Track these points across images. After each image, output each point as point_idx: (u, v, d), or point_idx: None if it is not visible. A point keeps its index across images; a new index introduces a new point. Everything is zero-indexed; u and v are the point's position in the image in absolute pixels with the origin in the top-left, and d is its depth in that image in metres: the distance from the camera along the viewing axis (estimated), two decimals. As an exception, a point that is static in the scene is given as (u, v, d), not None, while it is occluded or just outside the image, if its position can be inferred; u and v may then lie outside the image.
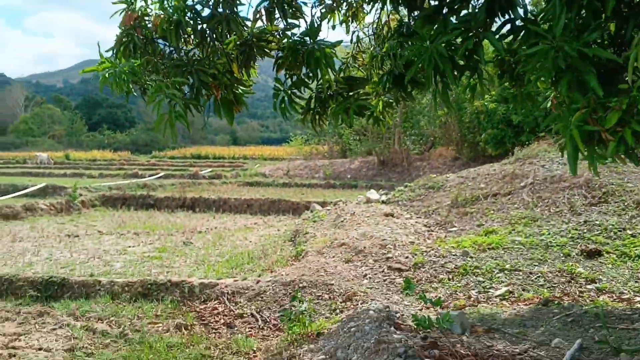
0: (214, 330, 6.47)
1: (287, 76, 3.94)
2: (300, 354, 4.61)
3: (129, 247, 11.16)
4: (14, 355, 5.94)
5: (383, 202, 12.56)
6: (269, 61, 4.21)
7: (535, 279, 6.87)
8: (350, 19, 5.09)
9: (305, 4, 4.31)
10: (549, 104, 3.74)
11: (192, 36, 3.72)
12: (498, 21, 3.40)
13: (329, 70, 3.69)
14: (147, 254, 10.37)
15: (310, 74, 3.77)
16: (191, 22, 3.56)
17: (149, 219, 15.40)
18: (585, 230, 8.13)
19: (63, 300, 7.73)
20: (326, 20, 4.70)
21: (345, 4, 4.98)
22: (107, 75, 3.65)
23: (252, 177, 27.79)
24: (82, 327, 6.71)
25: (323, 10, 4.79)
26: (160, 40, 3.68)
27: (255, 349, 5.81)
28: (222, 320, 6.74)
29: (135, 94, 3.79)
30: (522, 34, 3.33)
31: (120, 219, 15.36)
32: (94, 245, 11.26)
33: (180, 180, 25.62)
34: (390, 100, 4.14)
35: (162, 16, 3.60)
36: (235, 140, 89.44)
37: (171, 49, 3.64)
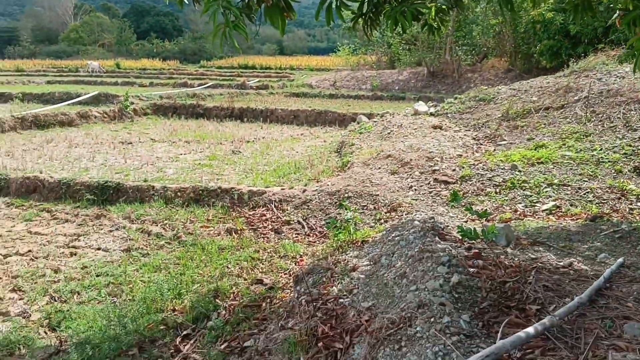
0: (262, 235, 6.73)
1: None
2: (345, 260, 4.77)
3: (181, 154, 11.49)
4: (75, 254, 6.38)
5: (431, 114, 12.37)
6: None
7: (584, 194, 6.76)
8: None
9: None
10: (615, 18, 3.52)
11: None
12: None
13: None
14: (197, 161, 10.67)
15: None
16: None
17: (198, 128, 15.70)
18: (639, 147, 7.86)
19: (118, 204, 8.13)
20: None
21: None
22: None
23: (299, 88, 27.63)
24: (138, 230, 7.10)
25: None
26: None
27: (301, 253, 6.05)
28: (270, 226, 6.99)
29: (187, 1, 3.74)
30: None
31: (172, 127, 15.71)
32: (146, 152, 11.64)
33: (228, 90, 25.74)
34: (444, 6, 3.97)
35: None
36: (282, 50, 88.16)
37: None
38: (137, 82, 30.51)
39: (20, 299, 5.20)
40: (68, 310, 4.90)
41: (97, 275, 5.68)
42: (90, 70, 40.44)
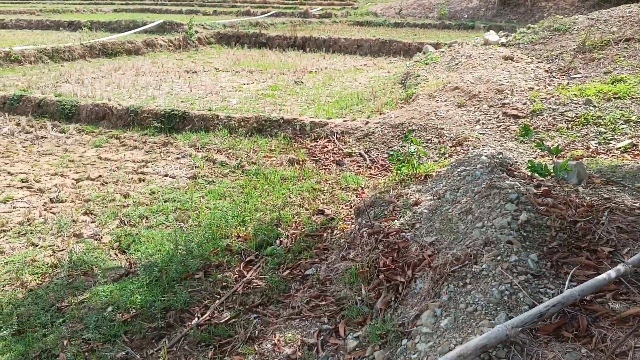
0: (323, 167, 6.73)
1: None
2: (407, 193, 4.70)
3: (244, 84, 11.50)
4: (143, 180, 6.59)
5: (502, 44, 11.75)
6: None
7: (666, 132, 6.34)
8: None
9: None
10: None
11: None
12: None
13: None
14: (260, 91, 10.66)
15: None
16: None
17: (261, 58, 15.62)
18: None
19: (184, 132, 8.29)
20: None
21: None
22: None
23: (363, 17, 26.82)
24: (203, 158, 7.24)
25: None
26: None
27: (363, 185, 6.02)
28: (331, 158, 6.97)
29: None
30: None
31: (235, 56, 15.69)
32: (210, 82, 11.72)
33: (290, 18, 25.31)
34: None
35: None
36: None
37: None
38: (201, 11, 30.42)
39: (92, 222, 5.46)
40: (137, 234, 5.10)
41: (165, 201, 5.86)
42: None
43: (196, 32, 18.34)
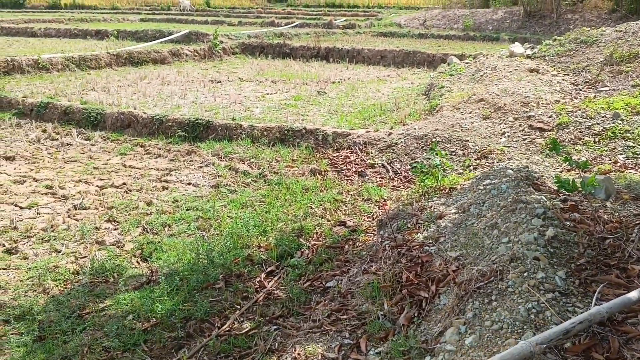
0: (346, 177, 6.69)
1: None
2: (431, 206, 4.64)
3: (267, 94, 11.55)
4: (166, 188, 6.62)
5: (528, 56, 11.62)
6: None
7: (699, 147, 6.17)
8: None
9: None
10: None
11: None
12: None
13: None
14: (283, 101, 10.69)
15: None
16: None
17: (285, 68, 15.68)
18: None
19: (208, 140, 8.33)
20: None
21: None
22: None
23: (387, 28, 26.82)
24: (226, 167, 7.26)
25: None
26: None
27: (385, 197, 5.96)
28: (353, 169, 6.93)
29: None
30: None
31: (259, 66, 15.78)
32: (235, 91, 11.79)
33: (314, 29, 25.43)
34: None
35: None
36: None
37: None
38: (227, 21, 30.74)
39: (114, 229, 5.49)
40: (159, 242, 5.12)
41: (187, 209, 5.88)
42: (182, 8, 41.11)
43: (221, 42, 18.51)
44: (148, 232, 5.39)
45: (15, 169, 7.33)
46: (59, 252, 5.00)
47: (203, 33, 20.23)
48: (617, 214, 3.79)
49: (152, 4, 48.29)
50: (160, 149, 8.17)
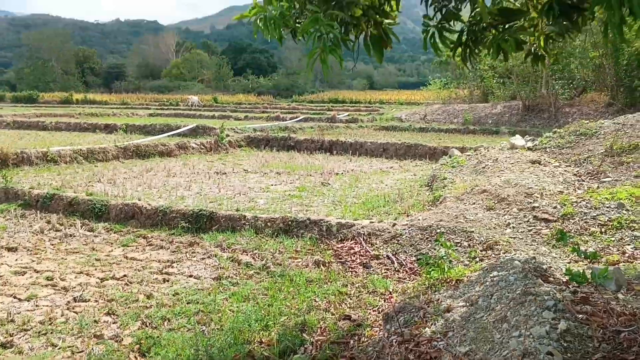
0: (350, 269, 6.58)
1: (436, 10, 3.70)
2: (438, 299, 4.52)
3: (272, 185, 11.65)
4: (167, 280, 6.51)
5: (529, 148, 11.82)
6: (405, 2, 4.00)
7: None
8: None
9: None
10: None
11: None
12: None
13: (483, -1, 3.42)
14: (287, 192, 10.76)
15: (462, 6, 3.51)
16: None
17: (289, 160, 15.93)
18: None
19: (211, 232, 8.29)
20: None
21: None
22: (258, 21, 3.60)
23: (388, 122, 27.56)
24: (229, 258, 7.17)
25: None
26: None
27: (391, 289, 5.83)
28: (358, 260, 6.83)
29: (285, 37, 3.75)
30: None
31: (264, 159, 16.05)
32: (239, 183, 11.91)
33: (318, 123, 26.13)
34: (552, 34, 3.73)
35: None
36: (372, 85, 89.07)
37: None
38: (233, 116, 31.70)
39: (114, 323, 5.34)
40: (158, 337, 4.95)
41: (188, 303, 5.74)
42: (190, 104, 42.56)
43: (227, 135, 18.98)
44: (147, 326, 5.23)
45: (16, 259, 7.26)
46: (56, 346, 4.83)
47: (210, 127, 20.78)
48: (629, 306, 3.69)
49: (161, 100, 50.05)
50: (162, 240, 8.12)
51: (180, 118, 28.82)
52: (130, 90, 71.53)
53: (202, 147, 17.92)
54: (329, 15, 3.03)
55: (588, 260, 4.14)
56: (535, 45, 3.83)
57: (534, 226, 6.98)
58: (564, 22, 3.38)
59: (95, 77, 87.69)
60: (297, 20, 3.47)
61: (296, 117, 29.76)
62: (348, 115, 32.46)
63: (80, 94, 57.35)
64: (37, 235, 8.40)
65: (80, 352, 4.74)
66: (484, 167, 10.43)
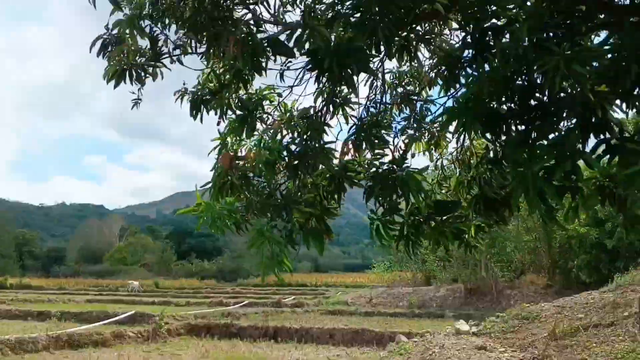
0: None
1: (378, 204, 3.95)
2: None
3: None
4: None
5: (474, 333, 11.81)
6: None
7: None
8: (432, 147, 5.16)
9: (389, 134, 4.44)
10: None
11: (284, 171, 3.88)
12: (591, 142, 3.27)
13: (420, 195, 3.68)
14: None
15: (400, 200, 3.77)
16: (285, 159, 3.74)
17: (231, 349, 15.27)
18: None
19: None
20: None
21: (427, 133, 5.07)
22: (204, 218, 3.79)
23: (334, 306, 27.33)
24: None
25: (406, 141, 4.90)
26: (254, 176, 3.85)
27: None
28: None
29: (231, 230, 3.90)
30: (618, 153, 3.16)
31: (204, 349, 15.32)
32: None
33: (263, 308, 25.64)
34: (482, 225, 4.00)
35: (254, 153, 3.79)
36: (318, 267, 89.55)
37: (264, 184, 3.79)
38: (174, 302, 30.71)
39: None
40: None
41: None
42: (130, 289, 41.28)
43: (166, 323, 18.19)
44: None
45: None
46: None
47: (149, 314, 19.98)
48: None
49: (101, 285, 48.42)
50: None
51: (119, 305, 27.70)
52: (69, 275, 69.08)
53: (140, 335, 17.00)
54: (273, 226, 3.20)
55: None
56: (466, 235, 4.07)
57: (487, 418, 6.73)
58: (492, 215, 3.64)
59: (34, 261, 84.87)
60: (243, 216, 3.61)
61: (240, 302, 29.13)
62: (294, 299, 32.08)
63: (15, 278, 54.90)
64: None
65: None
66: (431, 354, 10.24)
